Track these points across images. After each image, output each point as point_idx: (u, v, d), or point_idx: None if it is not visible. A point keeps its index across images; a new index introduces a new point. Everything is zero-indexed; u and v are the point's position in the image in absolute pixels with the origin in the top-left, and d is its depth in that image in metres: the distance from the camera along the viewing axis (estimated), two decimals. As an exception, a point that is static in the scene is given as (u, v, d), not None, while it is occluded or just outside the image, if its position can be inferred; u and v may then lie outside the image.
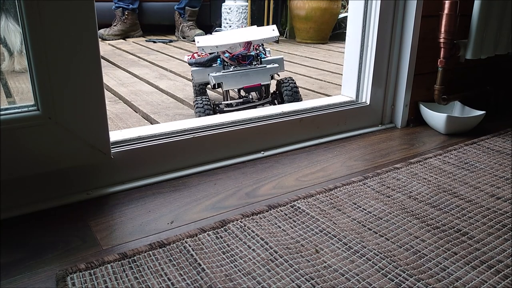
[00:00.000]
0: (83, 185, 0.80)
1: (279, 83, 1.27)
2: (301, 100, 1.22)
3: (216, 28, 1.25)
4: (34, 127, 0.72)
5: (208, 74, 1.26)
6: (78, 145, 0.77)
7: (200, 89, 1.44)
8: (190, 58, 1.35)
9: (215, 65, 1.32)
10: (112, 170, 0.83)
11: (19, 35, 1.56)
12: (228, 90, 1.26)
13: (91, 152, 0.78)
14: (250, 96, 1.28)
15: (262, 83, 1.20)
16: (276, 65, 1.24)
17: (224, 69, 1.24)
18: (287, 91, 1.24)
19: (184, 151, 0.91)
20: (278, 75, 1.28)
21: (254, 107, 1.22)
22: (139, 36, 3.16)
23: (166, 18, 3.26)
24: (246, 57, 1.22)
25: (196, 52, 1.35)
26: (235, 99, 1.27)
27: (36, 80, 0.70)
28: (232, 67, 1.21)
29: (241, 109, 1.20)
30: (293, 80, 1.28)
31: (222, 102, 1.23)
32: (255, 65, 1.22)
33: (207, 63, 1.31)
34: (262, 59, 1.28)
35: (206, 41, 1.16)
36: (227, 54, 1.23)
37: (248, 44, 1.19)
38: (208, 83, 1.38)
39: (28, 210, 0.74)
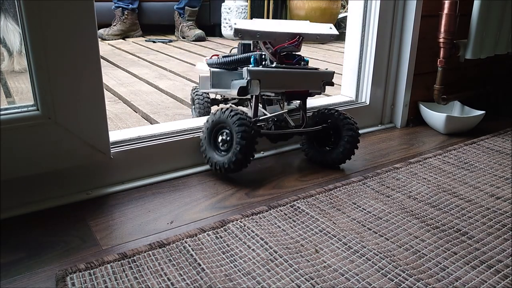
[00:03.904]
0: (83, 185, 0.80)
1: (334, 115, 0.94)
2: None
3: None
4: (34, 127, 0.72)
5: (232, 84, 0.96)
6: (78, 145, 0.77)
7: (204, 104, 1.12)
8: (209, 59, 1.07)
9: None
10: (112, 170, 0.83)
11: (19, 35, 1.55)
12: (258, 102, 0.91)
13: (91, 152, 0.78)
14: (289, 104, 0.97)
15: (311, 90, 0.92)
16: (331, 70, 0.93)
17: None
18: (349, 131, 0.91)
19: (184, 151, 0.91)
20: (332, 83, 0.94)
21: (291, 135, 0.95)
22: (138, 36, 3.15)
23: (165, 18, 3.26)
24: (291, 55, 0.92)
25: (216, 55, 1.07)
26: (266, 115, 0.94)
27: (36, 80, 0.70)
28: (274, 64, 0.89)
29: (278, 135, 0.93)
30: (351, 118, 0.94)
31: (251, 117, 0.87)
32: (302, 65, 0.92)
33: (233, 65, 0.99)
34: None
35: (245, 25, 0.86)
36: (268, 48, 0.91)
37: (299, 38, 0.89)
38: (221, 99, 1.13)
39: (28, 210, 0.74)
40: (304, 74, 0.90)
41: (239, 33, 0.85)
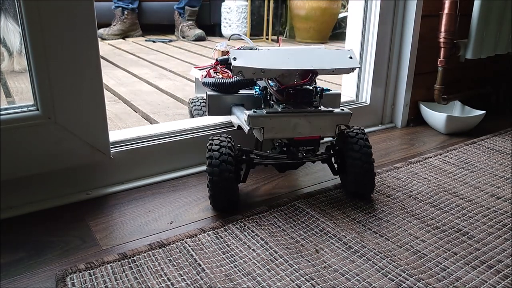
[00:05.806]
0: (83, 185, 0.80)
1: (343, 136, 0.80)
2: (374, 177, 0.80)
3: (234, 35, 0.80)
4: (34, 127, 0.72)
5: (232, 111, 0.87)
6: (78, 145, 0.77)
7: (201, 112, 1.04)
8: (205, 77, 0.92)
9: (246, 92, 0.89)
10: (112, 170, 0.83)
11: (19, 35, 1.55)
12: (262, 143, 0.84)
13: (91, 152, 0.78)
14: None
15: (322, 136, 0.77)
16: (348, 111, 0.78)
17: (264, 105, 0.81)
18: (351, 168, 0.78)
19: (184, 151, 0.91)
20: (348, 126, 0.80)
21: (301, 163, 0.81)
22: (138, 35, 3.16)
23: (165, 18, 3.26)
24: (301, 91, 0.77)
25: (214, 68, 0.93)
26: (274, 149, 0.82)
27: (36, 80, 0.70)
28: (280, 106, 0.76)
29: (282, 165, 0.81)
30: (365, 133, 0.80)
31: (254, 151, 0.79)
32: (315, 106, 0.77)
33: (233, 88, 0.88)
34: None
35: (246, 60, 0.71)
36: (272, 84, 0.77)
37: (312, 76, 0.76)
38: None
39: (28, 210, 0.74)
40: (316, 118, 0.75)
41: (239, 72, 0.71)
